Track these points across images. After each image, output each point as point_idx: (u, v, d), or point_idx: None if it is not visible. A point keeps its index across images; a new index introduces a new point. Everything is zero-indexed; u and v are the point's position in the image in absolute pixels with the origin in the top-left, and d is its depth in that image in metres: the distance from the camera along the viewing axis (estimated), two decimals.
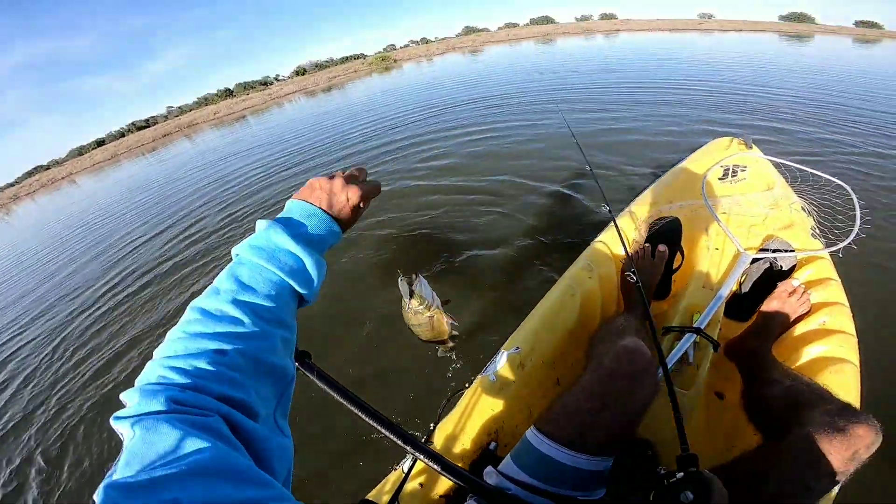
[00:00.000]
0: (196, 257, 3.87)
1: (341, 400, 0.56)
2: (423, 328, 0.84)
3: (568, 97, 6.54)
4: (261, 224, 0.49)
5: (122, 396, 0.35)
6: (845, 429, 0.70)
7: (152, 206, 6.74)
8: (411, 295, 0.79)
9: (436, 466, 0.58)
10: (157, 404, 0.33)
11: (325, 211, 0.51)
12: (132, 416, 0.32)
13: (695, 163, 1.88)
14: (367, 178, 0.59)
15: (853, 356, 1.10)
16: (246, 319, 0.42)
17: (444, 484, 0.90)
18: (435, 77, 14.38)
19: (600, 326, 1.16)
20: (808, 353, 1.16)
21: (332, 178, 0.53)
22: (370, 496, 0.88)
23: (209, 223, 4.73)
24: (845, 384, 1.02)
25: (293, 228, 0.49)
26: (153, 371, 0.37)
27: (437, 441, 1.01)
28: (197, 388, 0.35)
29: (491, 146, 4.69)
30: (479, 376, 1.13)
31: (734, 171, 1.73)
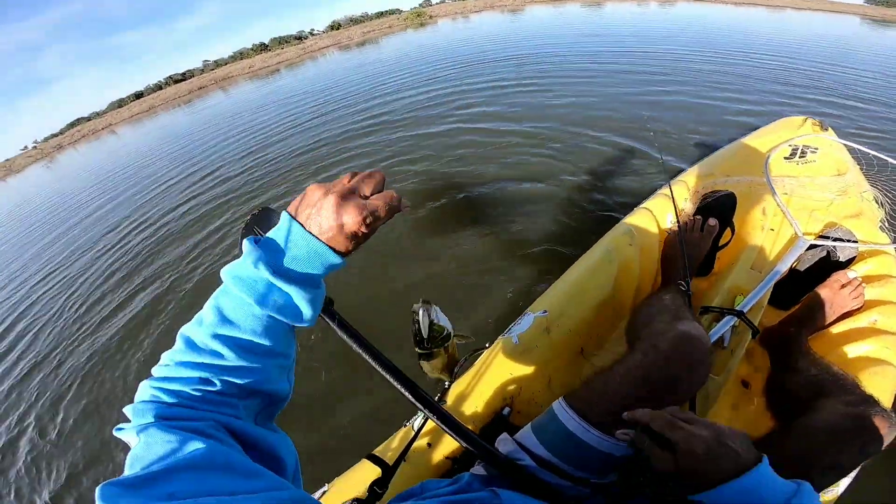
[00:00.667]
0: (220, 196, 4.11)
1: (359, 351, 0.55)
2: (437, 360, 0.79)
3: (621, 60, 6.14)
4: (245, 247, 0.41)
5: (125, 410, 0.38)
6: (857, 419, 0.66)
7: (185, 151, 7.01)
8: (431, 325, 0.74)
9: (448, 430, 0.56)
10: (149, 417, 0.36)
11: (314, 235, 0.40)
12: (131, 427, 0.35)
13: (760, 139, 1.76)
14: (385, 189, 0.44)
15: None
16: (229, 354, 0.40)
17: (452, 445, 0.89)
18: (472, 34, 13.81)
19: (645, 301, 1.10)
20: (851, 351, 1.10)
21: (328, 191, 0.41)
22: (376, 451, 0.87)
23: (233, 168, 4.92)
24: (881, 387, 0.95)
25: (276, 257, 0.40)
26: (145, 391, 0.39)
27: (450, 400, 0.99)
28: (185, 406, 0.38)
29: (536, 101, 4.54)
30: (501, 337, 1.10)
31: (803, 152, 1.61)
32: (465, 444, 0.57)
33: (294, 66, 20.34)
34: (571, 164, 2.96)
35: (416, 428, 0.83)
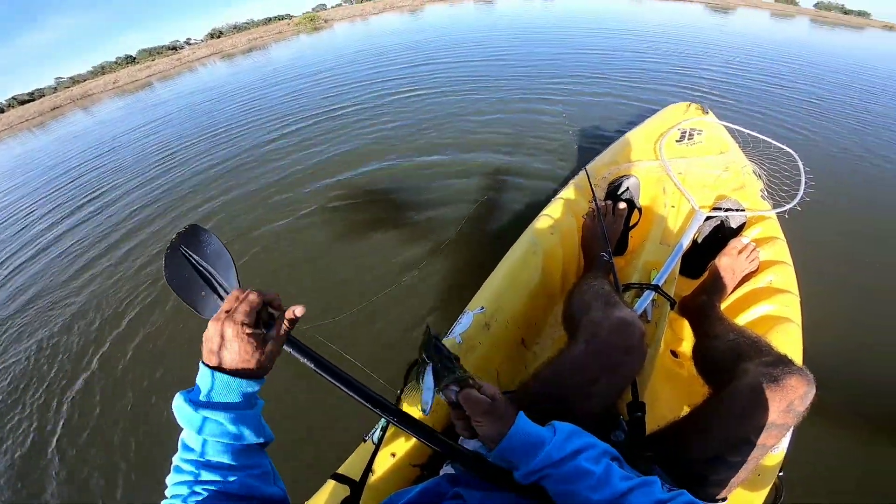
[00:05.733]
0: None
1: (304, 361, 0.57)
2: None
3: (516, 64, 6.43)
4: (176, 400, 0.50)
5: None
6: (779, 379, 0.71)
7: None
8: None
9: (412, 431, 0.59)
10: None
11: (224, 371, 0.50)
12: None
13: (653, 125, 1.96)
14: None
15: (796, 315, 1.18)
16: (202, 473, 0.48)
17: (417, 452, 0.89)
18: (376, 32, 13.73)
19: (575, 288, 1.14)
20: (756, 312, 1.24)
21: (220, 330, 0.50)
22: (341, 470, 0.86)
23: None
24: (788, 343, 1.08)
25: (195, 393, 0.49)
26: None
27: (405, 409, 0.96)
28: None
29: (438, 105, 4.64)
30: (445, 338, 1.11)
31: (690, 135, 1.82)
32: (430, 445, 0.58)
33: (168, 77, 18.32)
34: (476, 172, 3.06)
35: (375, 441, 0.84)
